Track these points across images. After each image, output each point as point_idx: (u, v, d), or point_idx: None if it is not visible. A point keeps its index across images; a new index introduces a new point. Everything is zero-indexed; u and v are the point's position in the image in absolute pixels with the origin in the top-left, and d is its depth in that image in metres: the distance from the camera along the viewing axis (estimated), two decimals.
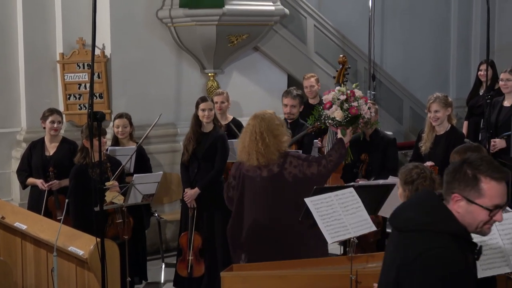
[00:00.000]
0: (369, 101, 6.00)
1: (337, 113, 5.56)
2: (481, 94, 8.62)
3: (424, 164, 6.12)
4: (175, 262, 7.26)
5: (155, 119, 7.08)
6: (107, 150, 6.89)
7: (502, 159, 6.52)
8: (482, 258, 3.82)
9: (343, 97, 5.60)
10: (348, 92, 5.67)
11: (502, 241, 3.86)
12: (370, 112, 5.72)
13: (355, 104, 5.60)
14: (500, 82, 7.62)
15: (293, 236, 5.34)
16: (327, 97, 5.72)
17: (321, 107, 5.75)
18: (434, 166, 6.20)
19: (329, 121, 5.64)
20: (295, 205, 5.18)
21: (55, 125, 7.05)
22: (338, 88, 5.75)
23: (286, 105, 7.34)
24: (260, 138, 5.33)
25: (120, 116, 7.35)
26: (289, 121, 7.30)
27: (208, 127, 7.00)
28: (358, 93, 5.75)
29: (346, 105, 5.60)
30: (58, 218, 6.62)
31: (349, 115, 5.56)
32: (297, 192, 5.22)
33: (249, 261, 5.39)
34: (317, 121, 5.89)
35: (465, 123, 8.95)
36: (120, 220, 6.43)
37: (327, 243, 5.07)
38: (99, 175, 4.89)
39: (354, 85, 5.87)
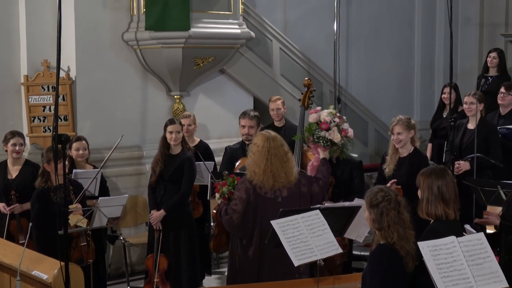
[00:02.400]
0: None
1: (335, 136, 5.68)
2: (444, 116, 8.72)
3: (388, 184, 6.21)
4: (141, 285, 7.20)
5: (121, 142, 7.04)
6: (70, 173, 6.83)
7: (466, 181, 6.57)
8: (446, 280, 3.85)
9: (338, 120, 5.73)
10: (338, 114, 5.85)
11: (467, 262, 3.88)
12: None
13: (344, 126, 5.86)
14: (464, 106, 7.72)
15: None
16: (315, 116, 5.80)
17: (315, 126, 5.84)
18: (397, 186, 6.24)
19: (322, 141, 5.74)
20: None
21: (17, 147, 6.98)
22: (329, 110, 5.85)
23: (244, 126, 7.43)
24: (286, 159, 5.49)
25: (78, 138, 7.28)
26: (246, 142, 7.35)
27: (176, 150, 7.00)
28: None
29: (339, 127, 5.77)
30: (21, 242, 6.55)
31: (344, 138, 5.74)
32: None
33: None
34: (312, 140, 5.97)
35: (429, 146, 9.04)
36: (84, 243, 6.36)
37: None
38: (64, 198, 4.85)
39: (331, 107, 6.01)
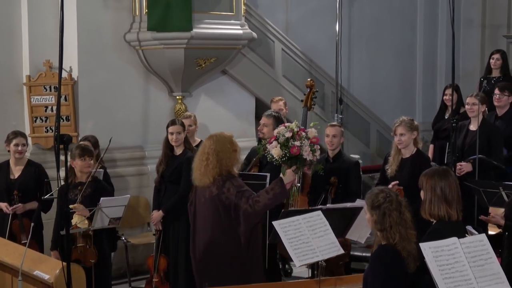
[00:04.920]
0: (335, 123, 5.82)
1: (275, 151, 5.28)
2: (446, 118, 8.71)
3: (389, 185, 6.20)
4: (142, 286, 7.20)
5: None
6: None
7: (467, 182, 6.57)
8: (448, 281, 3.85)
9: (288, 134, 5.28)
10: (296, 129, 5.33)
11: (469, 263, 3.88)
12: (315, 156, 5.36)
13: (297, 143, 5.25)
14: (466, 106, 7.71)
15: (232, 259, 5.31)
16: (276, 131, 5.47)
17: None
18: (399, 187, 6.23)
19: (270, 156, 5.37)
20: (232, 229, 5.19)
21: (20, 147, 6.98)
22: (288, 124, 5.47)
23: (260, 124, 7.42)
24: (205, 159, 5.34)
25: (85, 139, 7.31)
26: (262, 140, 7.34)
27: (178, 150, 7.03)
28: (311, 133, 5.39)
29: (290, 143, 5.27)
30: (23, 242, 6.55)
31: (288, 154, 5.24)
32: (232, 217, 5.23)
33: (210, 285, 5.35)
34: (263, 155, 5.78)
35: (431, 147, 9.02)
36: (81, 245, 6.32)
37: (261, 265, 5.32)
38: (65, 197, 4.85)
39: (312, 124, 5.52)
